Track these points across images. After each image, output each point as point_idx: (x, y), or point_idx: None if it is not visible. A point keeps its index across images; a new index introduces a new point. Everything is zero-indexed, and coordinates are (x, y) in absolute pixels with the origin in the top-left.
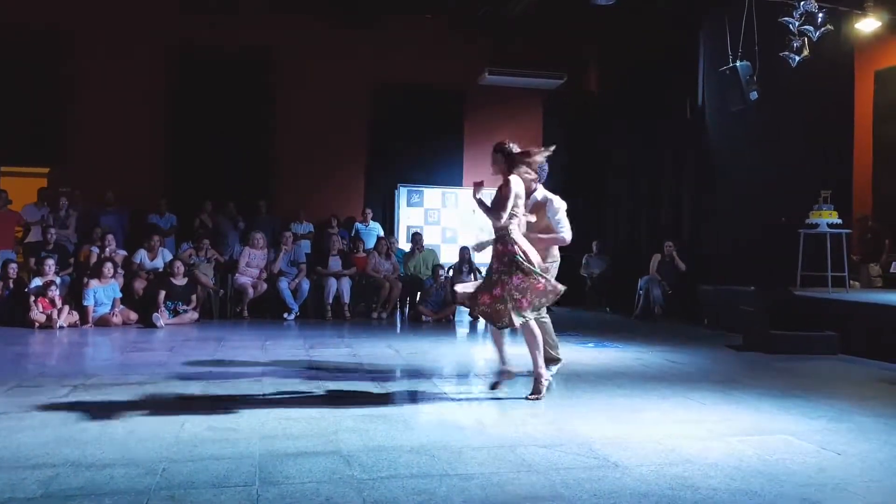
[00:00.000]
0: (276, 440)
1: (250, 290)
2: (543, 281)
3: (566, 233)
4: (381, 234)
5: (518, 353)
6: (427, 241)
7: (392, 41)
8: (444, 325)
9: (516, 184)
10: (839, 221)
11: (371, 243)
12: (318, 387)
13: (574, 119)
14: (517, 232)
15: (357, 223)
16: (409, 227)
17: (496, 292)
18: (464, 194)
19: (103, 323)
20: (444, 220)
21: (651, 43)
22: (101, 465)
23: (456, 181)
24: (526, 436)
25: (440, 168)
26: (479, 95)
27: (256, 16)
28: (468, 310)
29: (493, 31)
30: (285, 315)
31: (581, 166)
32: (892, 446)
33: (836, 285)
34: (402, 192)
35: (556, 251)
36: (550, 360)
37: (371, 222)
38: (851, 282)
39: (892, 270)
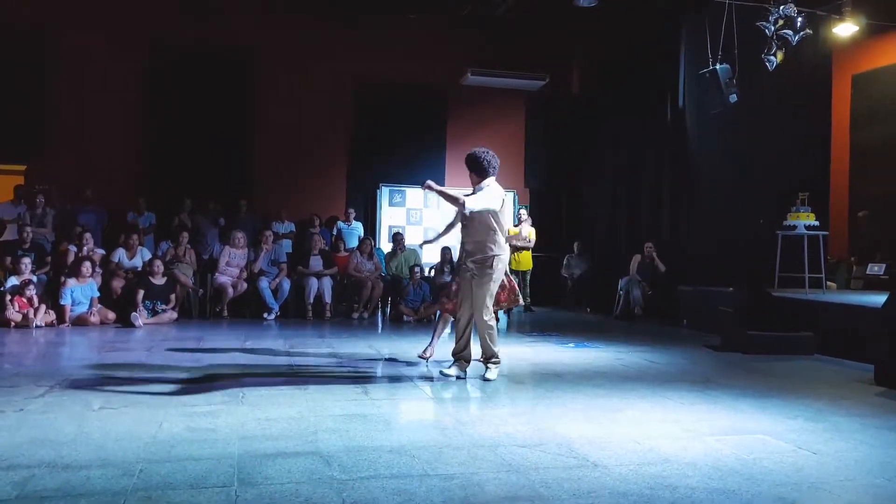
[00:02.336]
0: (255, 441)
1: (230, 290)
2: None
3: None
4: (363, 233)
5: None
6: (409, 241)
7: (375, 40)
8: (426, 324)
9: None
10: (816, 223)
11: (354, 243)
12: (298, 387)
13: (556, 120)
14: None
15: (339, 222)
16: (390, 227)
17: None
18: None
19: (81, 322)
20: (426, 220)
21: (632, 45)
22: (77, 466)
23: (438, 181)
24: (506, 436)
25: (422, 168)
26: (461, 95)
27: (238, 13)
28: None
29: (477, 32)
30: (265, 315)
31: (562, 167)
32: (868, 445)
33: (813, 286)
34: (384, 192)
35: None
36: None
37: (353, 222)
38: (828, 283)
39: (868, 272)
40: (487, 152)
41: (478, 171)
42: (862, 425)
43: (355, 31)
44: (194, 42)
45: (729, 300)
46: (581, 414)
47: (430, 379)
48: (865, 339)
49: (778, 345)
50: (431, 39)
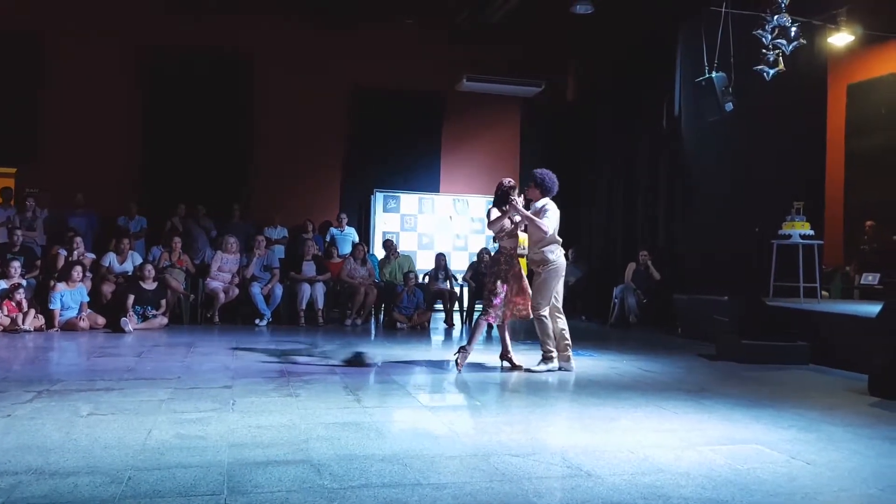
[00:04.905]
0: (245, 448)
1: (222, 295)
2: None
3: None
4: (357, 239)
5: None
6: (403, 247)
7: (370, 45)
8: (419, 331)
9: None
10: (811, 232)
11: (347, 248)
12: (290, 394)
13: (551, 127)
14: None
15: (333, 228)
16: (384, 233)
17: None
18: (440, 200)
19: (70, 327)
20: (420, 225)
21: (629, 52)
22: (64, 473)
23: (433, 187)
24: (499, 445)
25: (417, 174)
26: (457, 101)
27: (233, 17)
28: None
29: (472, 38)
30: (257, 321)
31: (557, 174)
32: (861, 455)
33: (808, 296)
34: (379, 198)
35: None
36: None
37: (347, 227)
38: (822, 292)
39: (863, 282)
40: (552, 175)
41: (542, 189)
42: (856, 435)
43: (352, 36)
44: (189, 46)
45: (724, 309)
46: (575, 423)
47: (422, 387)
48: (860, 348)
49: (772, 354)
50: (428, 45)
